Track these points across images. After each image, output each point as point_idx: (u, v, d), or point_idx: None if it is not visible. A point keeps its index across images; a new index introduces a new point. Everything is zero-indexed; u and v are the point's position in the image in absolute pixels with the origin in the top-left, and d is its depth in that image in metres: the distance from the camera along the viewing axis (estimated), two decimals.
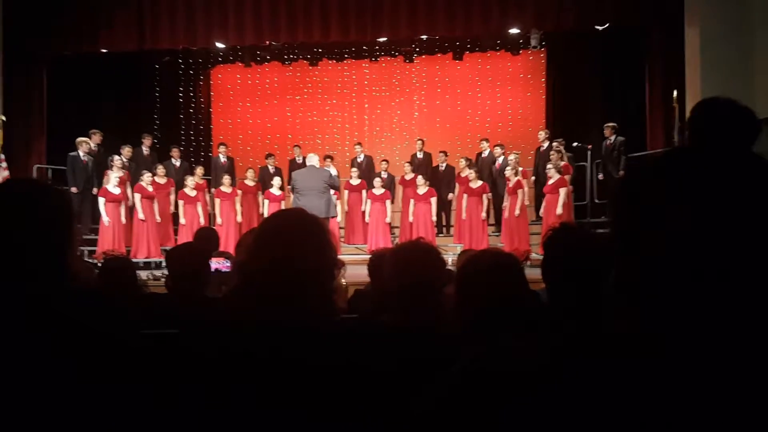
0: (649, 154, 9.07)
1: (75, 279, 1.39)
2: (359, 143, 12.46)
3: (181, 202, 10.41)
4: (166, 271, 3.25)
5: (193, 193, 10.44)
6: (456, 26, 10.83)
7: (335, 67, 14.41)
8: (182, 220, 10.33)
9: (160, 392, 1.43)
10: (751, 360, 0.75)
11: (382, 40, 12.22)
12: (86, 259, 8.66)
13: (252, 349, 1.48)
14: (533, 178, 11.23)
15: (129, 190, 10.37)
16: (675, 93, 9.23)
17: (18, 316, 1.26)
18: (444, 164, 11.62)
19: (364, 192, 10.86)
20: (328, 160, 11.51)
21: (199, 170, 11.02)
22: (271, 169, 11.63)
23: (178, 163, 11.66)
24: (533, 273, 1.98)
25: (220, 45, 11.70)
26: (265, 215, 8.42)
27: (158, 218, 10.23)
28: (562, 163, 9.94)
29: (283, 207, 9.38)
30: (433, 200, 10.46)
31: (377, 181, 10.75)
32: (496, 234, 10.41)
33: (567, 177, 9.78)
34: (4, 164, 9.88)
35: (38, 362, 1.24)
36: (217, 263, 4.09)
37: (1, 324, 1.26)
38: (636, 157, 9.92)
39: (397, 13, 10.71)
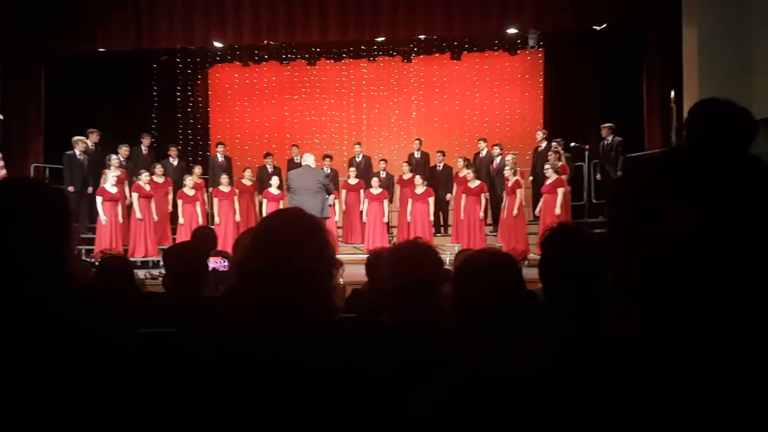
0: (647, 155, 9.08)
1: (72, 278, 1.38)
2: (359, 143, 12.47)
3: (179, 202, 10.41)
4: (163, 271, 3.25)
5: (191, 193, 10.43)
6: (454, 26, 10.83)
7: (333, 67, 14.40)
8: (181, 220, 10.32)
9: (157, 392, 1.43)
10: (749, 359, 0.75)
11: (380, 39, 12.23)
12: (83, 258, 8.64)
13: (250, 348, 1.48)
14: (531, 178, 11.24)
15: (127, 189, 10.37)
16: (672, 93, 9.25)
17: (15, 316, 1.26)
18: (442, 164, 11.63)
19: (362, 192, 10.87)
20: (327, 159, 11.52)
21: (197, 169, 11.02)
22: (270, 169, 11.62)
23: (175, 163, 11.66)
24: (530, 273, 1.98)
25: (218, 44, 11.70)
26: (264, 215, 8.42)
27: (155, 217, 10.24)
28: (560, 164, 9.95)
29: (281, 206, 9.38)
30: (431, 200, 10.48)
31: (375, 181, 10.77)
32: (494, 234, 10.42)
33: (564, 177, 9.79)
34: (2, 163, 9.87)
35: (35, 362, 1.24)
36: (214, 262, 4.09)
37: None
38: (633, 158, 9.92)
39: (395, 12, 10.72)
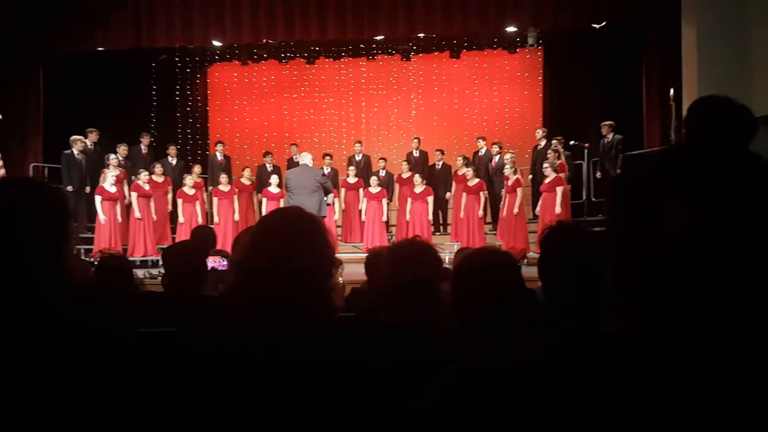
0: (646, 153, 9.09)
1: (71, 277, 1.38)
2: (359, 141, 12.47)
3: (179, 201, 10.41)
4: (162, 270, 3.25)
5: (191, 192, 10.43)
6: (453, 24, 10.83)
7: (332, 66, 14.39)
8: (181, 219, 10.32)
9: (156, 391, 1.43)
10: (748, 357, 0.75)
11: (379, 38, 12.22)
12: (82, 257, 8.64)
13: (249, 347, 1.48)
14: (530, 176, 11.24)
15: (126, 189, 10.37)
16: (672, 91, 9.24)
17: (14, 315, 1.26)
18: (441, 162, 11.63)
19: (361, 190, 10.88)
20: (327, 158, 11.51)
21: (197, 168, 11.02)
22: (269, 168, 11.62)
23: (174, 162, 11.65)
24: (530, 271, 1.98)
25: (217, 43, 11.70)
26: (263, 214, 8.42)
27: (155, 216, 10.24)
28: (558, 162, 9.95)
29: (281, 205, 9.38)
30: (430, 199, 10.48)
31: (373, 180, 10.76)
32: (493, 233, 10.42)
33: (563, 175, 9.79)
34: (1, 162, 9.86)
35: (35, 361, 1.23)
36: (213, 262, 4.08)
37: None
38: (633, 156, 9.93)
39: (394, 11, 10.71)
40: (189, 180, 10.46)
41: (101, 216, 9.70)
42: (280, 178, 10.88)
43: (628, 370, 0.79)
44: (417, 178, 10.51)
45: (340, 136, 14.34)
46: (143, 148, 11.72)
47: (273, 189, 10.54)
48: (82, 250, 9.61)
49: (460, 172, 10.63)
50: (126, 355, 1.36)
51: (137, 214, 9.99)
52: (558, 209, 9.28)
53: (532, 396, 0.87)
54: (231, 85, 14.78)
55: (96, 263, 3.56)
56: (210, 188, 11.23)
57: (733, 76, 8.39)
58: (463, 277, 1.86)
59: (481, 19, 10.70)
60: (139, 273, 7.75)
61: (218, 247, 5.65)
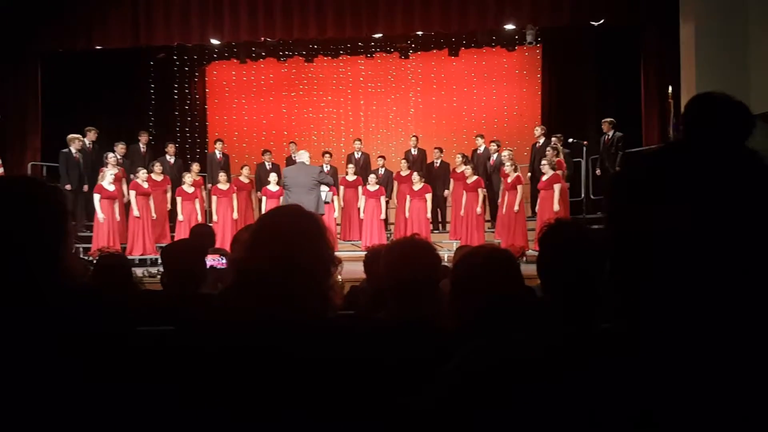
0: (644, 150, 9.09)
1: (69, 276, 1.38)
2: (359, 139, 12.47)
3: (179, 199, 10.41)
4: (161, 268, 3.25)
5: (190, 190, 10.43)
6: (451, 22, 10.83)
7: (330, 64, 14.38)
8: (180, 217, 10.32)
9: (155, 390, 1.43)
10: (747, 356, 0.75)
11: (377, 36, 12.22)
12: (81, 256, 8.63)
13: (248, 346, 1.48)
14: (529, 174, 11.24)
15: (125, 187, 10.36)
16: (670, 89, 9.25)
17: (12, 315, 1.26)
18: (439, 160, 11.64)
19: (360, 188, 10.88)
20: (327, 156, 11.51)
21: (195, 167, 11.01)
22: (268, 166, 11.62)
23: (172, 160, 11.64)
24: (529, 269, 1.98)
25: (215, 41, 11.68)
26: (263, 212, 8.42)
27: (154, 215, 10.23)
28: (556, 159, 9.95)
29: (281, 203, 9.38)
30: (429, 196, 10.48)
31: (371, 178, 10.77)
32: (491, 230, 10.43)
33: (561, 173, 9.79)
34: None
35: (32, 361, 1.23)
36: (212, 260, 4.08)
37: None
38: (632, 153, 9.94)
39: (392, 9, 10.71)
40: (188, 178, 10.46)
41: (100, 214, 9.70)
42: (279, 176, 10.88)
43: (627, 369, 0.79)
44: (415, 175, 10.52)
45: (339, 134, 14.34)
46: (142, 147, 11.71)
47: (272, 187, 10.53)
48: (81, 249, 9.60)
49: (458, 170, 10.63)
50: (125, 353, 1.36)
51: (135, 212, 9.98)
52: (556, 207, 9.28)
53: (531, 394, 0.87)
54: (229, 84, 14.77)
55: (95, 262, 3.56)
56: (209, 186, 11.23)
57: (731, 74, 8.40)
58: (463, 275, 1.86)
59: (480, 16, 10.70)
60: (138, 272, 7.75)
61: (217, 245, 5.64)
